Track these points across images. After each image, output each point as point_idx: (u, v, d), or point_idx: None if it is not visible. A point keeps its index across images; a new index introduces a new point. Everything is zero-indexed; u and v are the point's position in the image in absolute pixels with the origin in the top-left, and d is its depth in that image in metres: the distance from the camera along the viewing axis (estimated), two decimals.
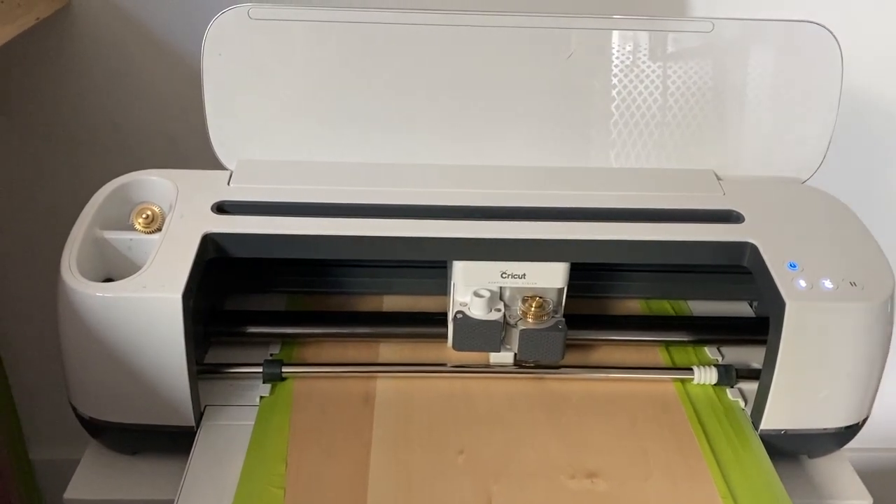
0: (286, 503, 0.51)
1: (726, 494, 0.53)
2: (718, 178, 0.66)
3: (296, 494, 0.52)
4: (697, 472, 0.54)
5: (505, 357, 0.62)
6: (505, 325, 0.60)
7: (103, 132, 0.87)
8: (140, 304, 0.53)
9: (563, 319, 0.60)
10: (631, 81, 0.65)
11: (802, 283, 0.55)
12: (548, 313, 0.60)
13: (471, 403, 0.60)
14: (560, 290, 0.61)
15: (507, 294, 0.61)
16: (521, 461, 0.55)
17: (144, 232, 0.59)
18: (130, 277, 0.54)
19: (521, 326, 0.59)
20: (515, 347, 0.60)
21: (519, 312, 0.60)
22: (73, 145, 0.87)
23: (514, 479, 0.53)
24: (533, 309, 0.59)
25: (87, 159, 0.88)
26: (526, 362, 0.62)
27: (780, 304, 0.54)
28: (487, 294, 0.59)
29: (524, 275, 0.59)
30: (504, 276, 0.59)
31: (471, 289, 0.60)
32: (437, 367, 0.63)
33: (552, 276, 0.59)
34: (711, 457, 0.56)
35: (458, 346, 0.60)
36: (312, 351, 0.65)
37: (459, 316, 0.59)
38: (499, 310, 0.60)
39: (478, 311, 0.59)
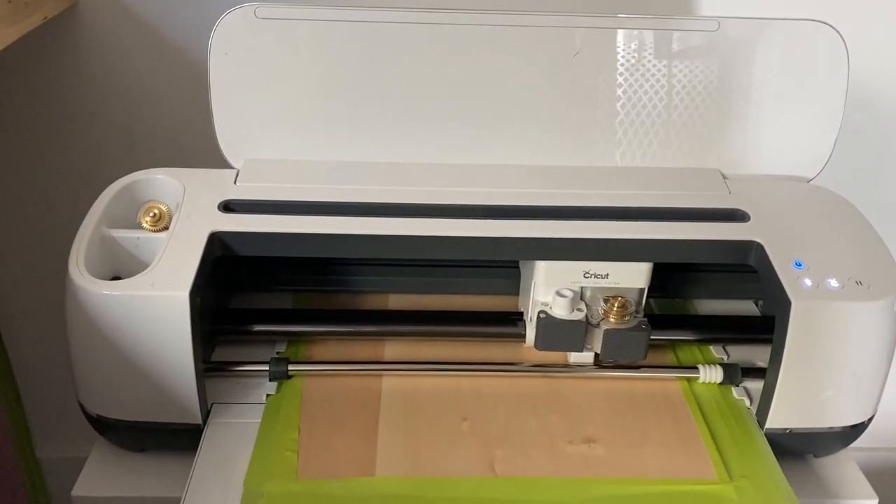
0: (299, 465, 0.53)
1: (718, 461, 0.55)
2: (724, 177, 0.66)
3: (308, 457, 0.54)
4: (692, 443, 0.57)
5: (586, 357, 0.62)
6: (587, 324, 0.59)
7: (110, 131, 0.87)
8: (148, 302, 0.53)
9: (646, 319, 0.59)
10: (637, 80, 0.65)
11: (808, 282, 0.55)
12: (630, 313, 0.59)
13: (476, 391, 0.61)
14: (641, 290, 0.60)
15: (587, 294, 0.60)
16: (522, 429, 0.57)
17: (152, 230, 0.59)
18: (138, 275, 0.54)
19: (605, 326, 0.59)
20: (598, 347, 0.59)
21: (601, 312, 0.60)
22: (79, 144, 0.88)
23: (515, 445, 0.56)
24: (616, 309, 0.59)
25: (94, 158, 0.88)
26: (606, 362, 0.61)
27: (785, 303, 0.54)
28: (570, 294, 0.59)
29: (607, 275, 0.59)
30: (587, 275, 0.59)
31: (553, 289, 0.59)
32: (437, 365, 0.63)
33: (635, 276, 0.59)
34: (708, 433, 0.57)
35: (541, 345, 0.59)
36: (319, 349, 0.65)
37: (543, 316, 0.59)
38: (581, 310, 0.59)
39: (561, 311, 0.59)
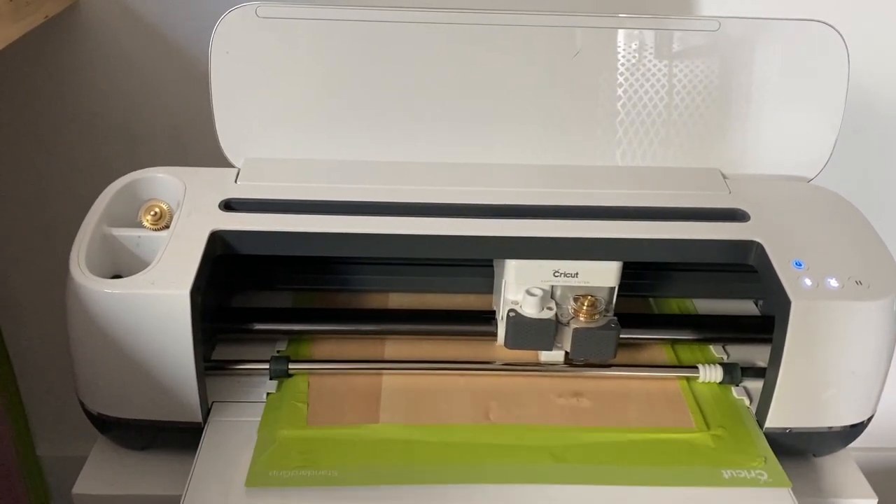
0: (309, 414, 0.58)
1: (697, 414, 0.59)
2: (724, 177, 0.66)
3: (317, 407, 0.58)
4: (675, 401, 0.61)
5: (556, 356, 0.62)
6: (557, 323, 0.59)
7: (110, 130, 0.87)
8: (148, 301, 0.53)
9: (616, 318, 0.59)
10: (637, 80, 0.65)
11: (808, 282, 0.55)
12: (600, 312, 0.59)
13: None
14: (611, 289, 0.60)
15: (557, 293, 0.61)
16: (516, 385, 0.62)
17: (152, 229, 0.59)
18: (139, 274, 0.54)
19: (574, 325, 0.59)
20: (567, 346, 0.60)
21: (571, 311, 0.60)
22: (80, 143, 0.88)
23: (509, 397, 0.60)
24: (585, 307, 0.59)
25: (95, 157, 0.88)
26: (576, 361, 0.62)
27: (785, 303, 0.54)
28: (540, 293, 0.59)
29: (577, 273, 0.59)
30: (557, 274, 0.59)
31: (523, 287, 0.59)
32: (443, 364, 0.63)
33: (605, 275, 0.59)
34: (692, 397, 0.61)
35: (511, 344, 0.60)
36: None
37: (512, 314, 0.59)
38: (551, 308, 0.59)
39: (530, 309, 0.59)
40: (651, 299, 0.72)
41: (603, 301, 0.60)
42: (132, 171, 0.64)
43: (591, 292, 0.60)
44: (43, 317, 1.00)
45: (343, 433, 0.56)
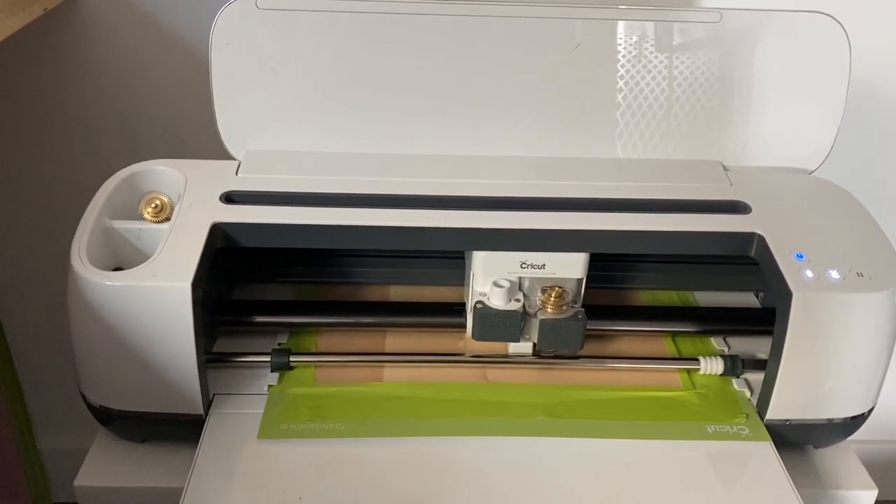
0: (317, 377, 0.61)
1: (684, 376, 0.63)
2: (725, 169, 0.66)
3: (324, 370, 0.61)
4: (663, 366, 0.64)
5: (524, 347, 0.62)
6: (524, 315, 0.60)
7: (110, 123, 0.87)
8: (150, 293, 0.53)
9: (583, 309, 0.60)
10: (638, 72, 0.65)
11: (809, 274, 0.55)
12: (567, 303, 0.60)
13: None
14: (579, 281, 0.60)
15: (525, 284, 0.61)
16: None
17: (153, 221, 0.59)
18: (140, 266, 0.54)
19: (541, 316, 0.59)
20: (535, 337, 0.60)
21: (538, 302, 0.60)
22: (80, 135, 0.87)
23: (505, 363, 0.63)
24: (552, 299, 0.59)
25: (95, 149, 0.88)
26: (545, 352, 0.62)
27: (786, 295, 0.54)
28: (507, 284, 0.59)
29: (544, 265, 0.59)
30: (524, 266, 0.59)
31: (490, 279, 0.60)
32: (443, 356, 0.63)
33: (572, 267, 0.59)
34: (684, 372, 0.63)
35: (478, 336, 0.60)
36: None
37: (479, 306, 0.59)
38: (518, 300, 0.60)
39: (497, 301, 0.59)
40: (651, 291, 0.72)
41: (570, 292, 0.60)
42: (131, 164, 0.64)
43: (559, 284, 0.60)
44: (43, 310, 0.99)
45: (349, 390, 0.60)
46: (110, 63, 0.83)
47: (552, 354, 0.63)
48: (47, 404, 1.08)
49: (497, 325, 0.59)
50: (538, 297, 0.60)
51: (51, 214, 0.92)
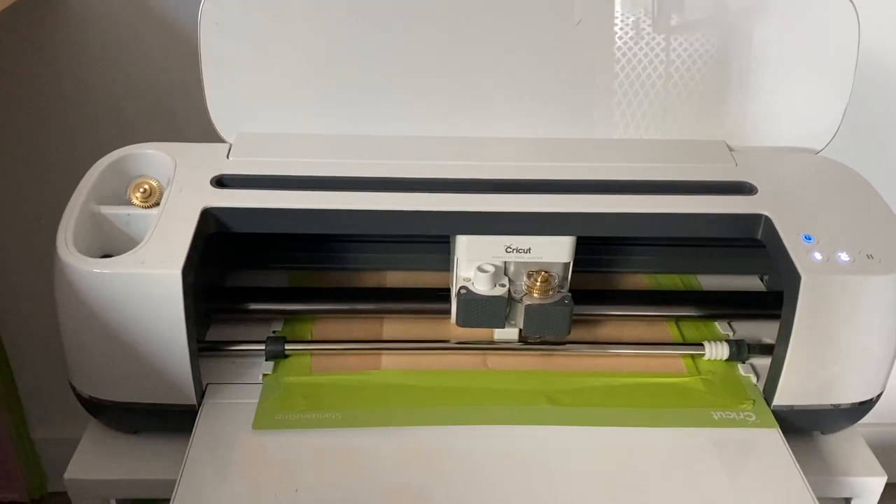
0: (312, 365, 0.59)
1: (689, 362, 0.61)
2: (730, 149, 0.64)
3: (320, 358, 0.60)
4: (667, 352, 0.63)
5: (509, 333, 0.61)
6: (510, 300, 0.58)
7: (99, 105, 0.85)
8: (139, 281, 0.52)
9: (570, 294, 0.59)
10: (641, 49, 0.63)
11: (818, 256, 0.54)
12: (554, 288, 0.58)
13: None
14: (566, 265, 0.59)
15: (511, 269, 0.59)
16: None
17: (142, 207, 0.57)
18: (128, 253, 0.53)
19: (527, 301, 0.58)
20: (520, 323, 0.59)
21: (524, 287, 0.59)
22: (67, 118, 0.85)
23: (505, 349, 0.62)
24: (538, 283, 0.58)
25: (83, 133, 0.86)
26: (531, 338, 0.61)
27: (795, 278, 0.53)
28: (492, 269, 0.58)
29: (529, 249, 0.58)
30: (509, 250, 0.58)
31: (475, 264, 0.58)
32: (443, 343, 0.62)
33: (558, 251, 0.58)
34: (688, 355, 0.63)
35: (462, 322, 0.59)
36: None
37: (463, 292, 0.58)
38: (503, 285, 0.58)
39: (482, 286, 0.58)
40: (654, 275, 0.71)
41: (557, 277, 0.59)
42: (121, 147, 0.62)
43: (545, 268, 0.59)
44: (35, 298, 0.98)
45: (346, 379, 0.58)
46: (98, 43, 0.81)
47: (538, 340, 0.61)
48: (41, 393, 1.07)
49: (481, 311, 0.58)
50: (524, 282, 0.59)
51: (38, 200, 0.91)
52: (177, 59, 0.82)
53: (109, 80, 0.83)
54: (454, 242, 0.59)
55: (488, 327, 0.60)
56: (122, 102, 0.85)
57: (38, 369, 1.05)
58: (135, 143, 0.62)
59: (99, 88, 0.84)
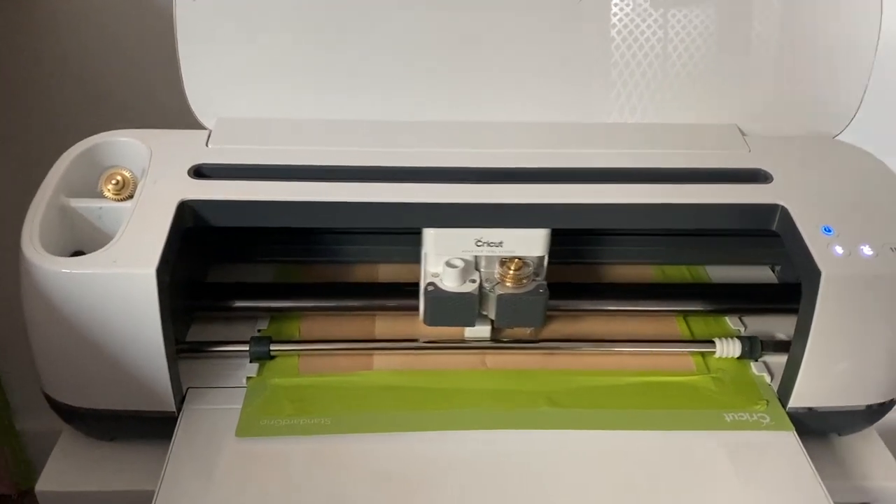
0: (300, 366, 0.57)
1: (698, 359, 0.58)
2: (743, 134, 0.61)
3: (309, 360, 0.57)
4: (674, 346, 0.60)
5: (481, 331, 0.58)
6: (480, 294, 0.56)
7: (75, 88, 0.81)
8: (110, 281, 0.48)
9: (545, 283, 0.56)
10: (649, 27, 0.60)
11: (839, 250, 0.51)
12: (528, 276, 0.56)
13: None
14: (541, 258, 0.56)
15: (483, 260, 0.56)
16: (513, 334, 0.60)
17: (114, 199, 0.54)
18: (99, 251, 0.50)
19: (499, 291, 0.55)
20: (492, 314, 0.56)
21: (497, 276, 0.56)
22: (40, 104, 0.81)
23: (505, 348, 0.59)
24: (512, 272, 0.55)
25: (55, 119, 0.82)
26: (523, 337, 0.59)
27: (814, 274, 0.50)
28: (461, 264, 0.55)
29: (501, 243, 0.55)
30: (479, 244, 0.55)
31: (443, 258, 0.55)
32: (438, 342, 0.59)
33: (531, 244, 0.55)
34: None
35: (429, 321, 0.56)
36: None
37: (431, 288, 0.55)
38: (474, 280, 0.56)
39: (451, 282, 0.55)
40: (662, 267, 0.68)
41: (532, 264, 0.56)
42: (96, 133, 0.58)
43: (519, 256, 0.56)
44: (14, 291, 0.94)
45: (336, 380, 0.56)
46: (74, 21, 0.77)
47: (531, 337, 0.59)
48: (26, 384, 1.03)
49: (450, 308, 0.55)
50: (496, 271, 0.56)
51: (6, 191, 0.86)
52: (157, 36, 0.78)
53: (83, 59, 0.79)
54: (423, 235, 0.56)
55: (458, 325, 0.58)
56: (97, 84, 0.80)
57: (22, 359, 1.01)
58: (112, 129, 0.59)
59: (71, 69, 0.80)
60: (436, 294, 0.55)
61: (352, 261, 0.66)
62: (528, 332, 0.60)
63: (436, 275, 0.56)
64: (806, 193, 0.55)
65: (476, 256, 0.56)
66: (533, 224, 0.54)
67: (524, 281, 0.55)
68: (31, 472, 1.10)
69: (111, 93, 0.81)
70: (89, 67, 0.80)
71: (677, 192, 0.54)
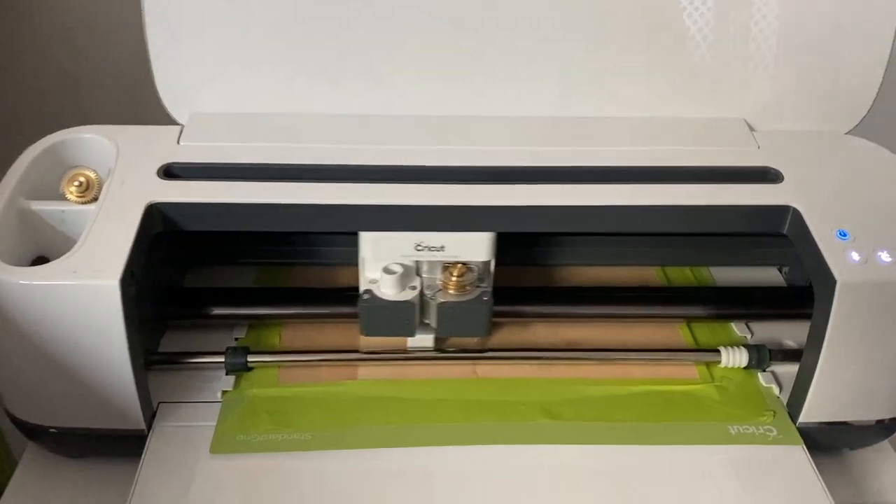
0: (280, 375, 0.54)
1: (701, 366, 0.56)
2: (751, 129, 0.57)
3: (290, 371, 0.54)
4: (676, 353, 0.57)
5: (423, 340, 0.55)
6: (422, 301, 0.53)
7: (49, 79, 0.77)
8: (70, 293, 0.45)
9: (490, 290, 0.53)
10: (650, 13, 0.56)
11: (855, 257, 0.48)
12: (471, 283, 0.53)
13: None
14: (487, 263, 0.53)
15: (425, 265, 0.53)
16: (504, 342, 0.58)
17: (78, 202, 0.50)
18: (59, 260, 0.46)
19: (440, 299, 0.52)
20: (434, 323, 0.53)
21: (439, 283, 0.53)
22: (11, 96, 0.78)
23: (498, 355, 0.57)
24: (454, 278, 0.52)
25: (14, 114, 0.78)
26: (470, 346, 0.55)
27: (829, 282, 0.47)
28: (399, 269, 0.52)
29: (443, 247, 0.51)
30: (419, 248, 0.51)
31: (381, 263, 0.52)
32: (428, 350, 0.56)
33: (475, 249, 0.52)
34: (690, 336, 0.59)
35: (366, 331, 0.53)
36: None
37: (366, 297, 0.52)
38: (414, 287, 0.52)
39: (388, 289, 0.52)
40: (663, 269, 0.64)
41: (477, 270, 0.53)
42: (70, 127, 0.55)
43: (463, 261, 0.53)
44: None
45: (317, 391, 0.53)
46: (46, 7, 0.73)
47: (480, 347, 0.56)
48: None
49: (387, 318, 0.52)
50: (438, 277, 0.53)
51: None
52: (134, 23, 0.74)
53: (56, 47, 0.76)
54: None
55: (397, 335, 0.55)
56: (72, 75, 0.77)
57: None
58: (87, 124, 0.55)
59: (48, 59, 0.76)
60: (371, 303, 0.52)
61: (334, 263, 0.62)
62: (475, 341, 0.56)
63: (374, 281, 0.52)
64: (819, 194, 0.51)
65: (417, 262, 0.53)
66: (475, 227, 0.51)
67: (468, 288, 0.53)
68: (14, 465, 1.07)
69: (91, 84, 0.77)
70: (70, 57, 0.77)
71: (683, 193, 0.51)
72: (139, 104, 0.74)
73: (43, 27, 0.75)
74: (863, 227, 0.49)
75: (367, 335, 0.53)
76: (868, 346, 0.48)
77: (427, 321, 0.54)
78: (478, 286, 0.53)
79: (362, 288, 0.53)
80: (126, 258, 0.45)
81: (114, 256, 0.46)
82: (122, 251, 0.46)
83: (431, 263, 0.53)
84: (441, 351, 0.56)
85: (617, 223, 0.52)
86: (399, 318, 0.52)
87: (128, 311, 0.45)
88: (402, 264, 0.52)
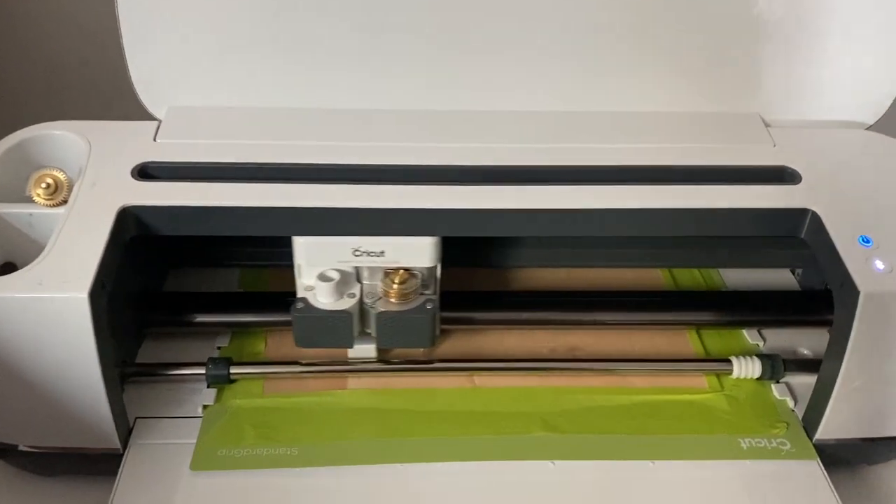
0: (265, 385, 0.52)
1: (710, 375, 0.54)
2: (766, 125, 0.54)
3: (275, 381, 0.52)
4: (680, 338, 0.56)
5: (365, 350, 0.52)
6: (361, 310, 0.50)
7: (25, 73, 0.74)
8: (35, 306, 0.42)
9: (435, 297, 0.50)
10: (661, 3, 0.52)
11: (879, 265, 0.45)
12: (414, 290, 0.50)
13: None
14: (432, 269, 0.50)
15: (366, 271, 0.50)
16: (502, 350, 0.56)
17: (46, 205, 0.47)
18: (23, 270, 0.44)
19: (381, 307, 0.49)
20: (375, 332, 0.51)
21: (380, 290, 0.50)
22: None
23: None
24: (395, 285, 0.49)
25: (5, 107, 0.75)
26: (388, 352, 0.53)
27: (851, 293, 0.44)
28: (337, 276, 0.49)
29: (382, 252, 0.48)
30: (357, 253, 0.48)
31: (318, 269, 0.49)
32: (422, 360, 0.53)
33: (417, 254, 0.49)
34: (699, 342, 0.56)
35: (300, 342, 0.50)
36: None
37: (300, 306, 0.49)
38: (353, 294, 0.49)
39: (325, 298, 0.49)
40: (670, 271, 0.62)
41: (420, 276, 0.50)
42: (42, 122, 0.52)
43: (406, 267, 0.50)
44: None
45: (305, 402, 0.51)
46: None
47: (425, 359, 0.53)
48: None
49: (322, 328, 0.49)
50: (379, 284, 0.50)
51: None
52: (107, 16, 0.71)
53: (28, 34, 0.72)
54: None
55: (334, 347, 0.51)
56: (42, 64, 0.74)
57: None
58: (60, 119, 0.52)
59: (24, 53, 0.73)
60: (305, 312, 0.49)
61: None
62: (421, 351, 0.54)
63: (310, 288, 0.49)
64: (840, 196, 0.49)
65: (357, 268, 0.50)
66: (417, 231, 0.48)
67: (410, 296, 0.49)
68: None
69: (63, 74, 0.74)
70: (40, 45, 0.74)
71: (693, 195, 0.48)
72: (114, 98, 0.71)
73: (14, 17, 0.72)
74: (887, 232, 0.47)
75: (301, 346, 0.50)
76: (893, 359, 0.45)
77: (368, 331, 0.51)
78: (421, 293, 0.50)
79: (298, 295, 0.50)
80: (96, 268, 0.43)
81: (83, 266, 0.43)
82: (91, 260, 0.43)
83: (372, 270, 0.50)
84: (385, 362, 0.53)
85: (634, 227, 0.49)
86: (336, 328, 0.49)
87: (98, 324, 0.42)
88: (339, 270, 0.49)
